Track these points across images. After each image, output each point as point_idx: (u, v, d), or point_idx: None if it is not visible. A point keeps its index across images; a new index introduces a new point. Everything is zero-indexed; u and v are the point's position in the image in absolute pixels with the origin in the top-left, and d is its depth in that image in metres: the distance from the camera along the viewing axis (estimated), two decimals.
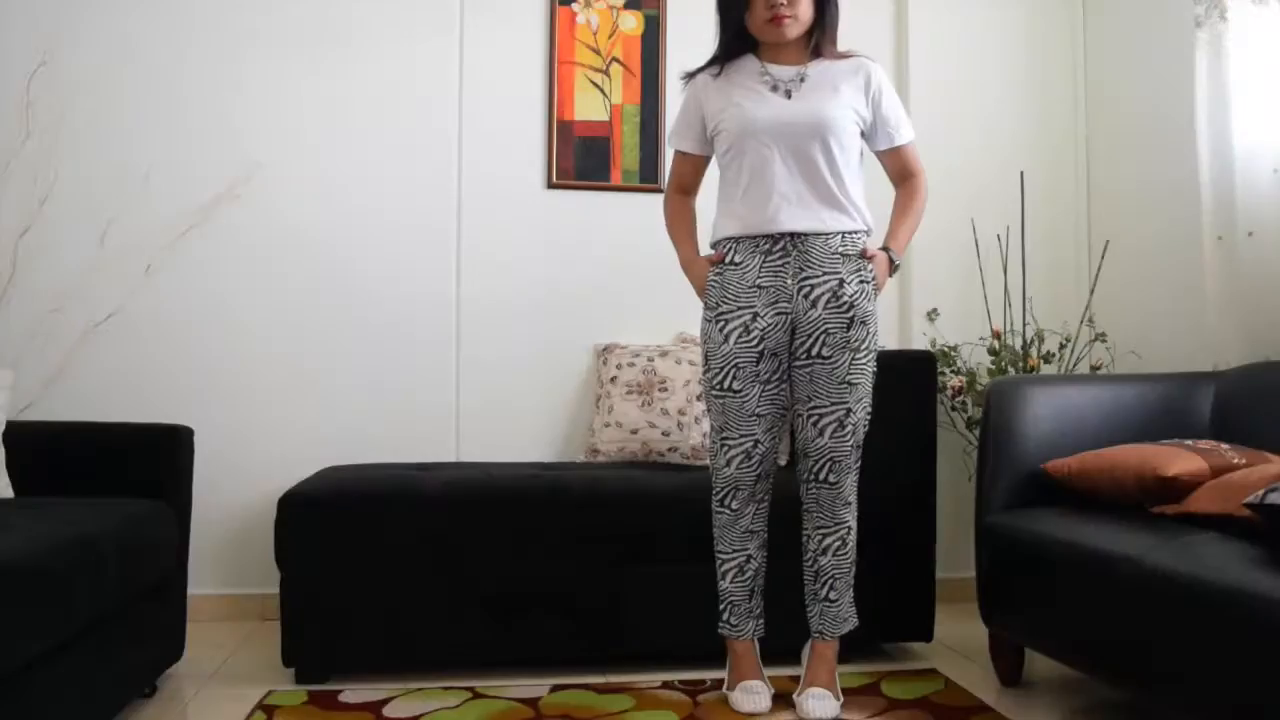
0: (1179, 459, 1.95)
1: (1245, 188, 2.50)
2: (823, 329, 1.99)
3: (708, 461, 2.71)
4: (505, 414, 3.02)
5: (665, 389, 2.81)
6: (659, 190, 3.10)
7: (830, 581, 2.09)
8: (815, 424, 2.02)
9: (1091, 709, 2.15)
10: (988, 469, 2.28)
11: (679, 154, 2.18)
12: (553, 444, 3.04)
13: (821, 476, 2.05)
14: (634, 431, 2.80)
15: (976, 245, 3.20)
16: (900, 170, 2.13)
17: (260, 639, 2.65)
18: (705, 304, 2.08)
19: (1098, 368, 3.03)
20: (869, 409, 2.07)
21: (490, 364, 3.04)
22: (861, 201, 2.07)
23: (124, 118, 2.89)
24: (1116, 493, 2.04)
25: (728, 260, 2.04)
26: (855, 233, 2.05)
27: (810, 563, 2.12)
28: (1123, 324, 3.08)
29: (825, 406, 2.01)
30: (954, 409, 3.04)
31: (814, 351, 2.00)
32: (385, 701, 2.14)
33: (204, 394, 2.87)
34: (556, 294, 3.09)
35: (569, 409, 3.07)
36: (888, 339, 3.21)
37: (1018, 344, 3.10)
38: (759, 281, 2.00)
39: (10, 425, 2.23)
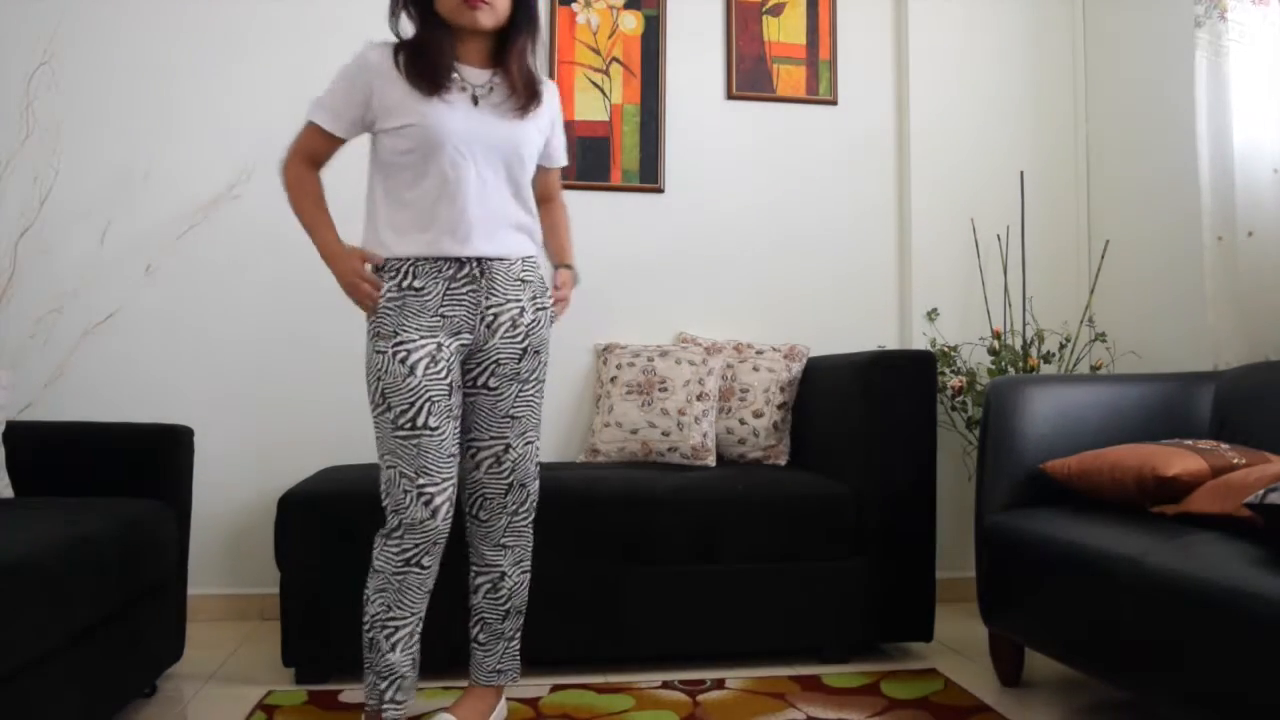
0: (1179, 459, 1.94)
1: (1245, 188, 2.50)
2: (494, 358, 1.87)
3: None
4: None
5: (665, 389, 2.81)
6: (659, 190, 3.11)
7: (480, 623, 1.98)
8: (473, 456, 1.91)
9: (1091, 709, 2.15)
10: (988, 469, 2.28)
11: (318, 129, 1.90)
12: (553, 444, 3.04)
13: (473, 511, 1.94)
14: (634, 431, 2.80)
15: (976, 245, 3.21)
16: (548, 190, 2.08)
17: (260, 639, 2.65)
18: (378, 331, 1.82)
19: (1098, 368, 3.03)
20: (535, 446, 1.95)
21: None
22: (536, 224, 1.99)
23: (124, 118, 2.89)
24: (1116, 493, 2.04)
25: (405, 285, 1.82)
26: (532, 256, 1.96)
27: (470, 598, 2.00)
28: (1123, 324, 3.08)
29: (484, 440, 1.90)
30: (954, 409, 3.04)
31: (479, 381, 1.88)
32: None
33: (204, 394, 2.88)
34: None
35: (569, 409, 3.07)
36: (888, 339, 3.22)
37: (1018, 344, 3.10)
38: (441, 310, 1.82)
39: (10, 425, 2.23)
